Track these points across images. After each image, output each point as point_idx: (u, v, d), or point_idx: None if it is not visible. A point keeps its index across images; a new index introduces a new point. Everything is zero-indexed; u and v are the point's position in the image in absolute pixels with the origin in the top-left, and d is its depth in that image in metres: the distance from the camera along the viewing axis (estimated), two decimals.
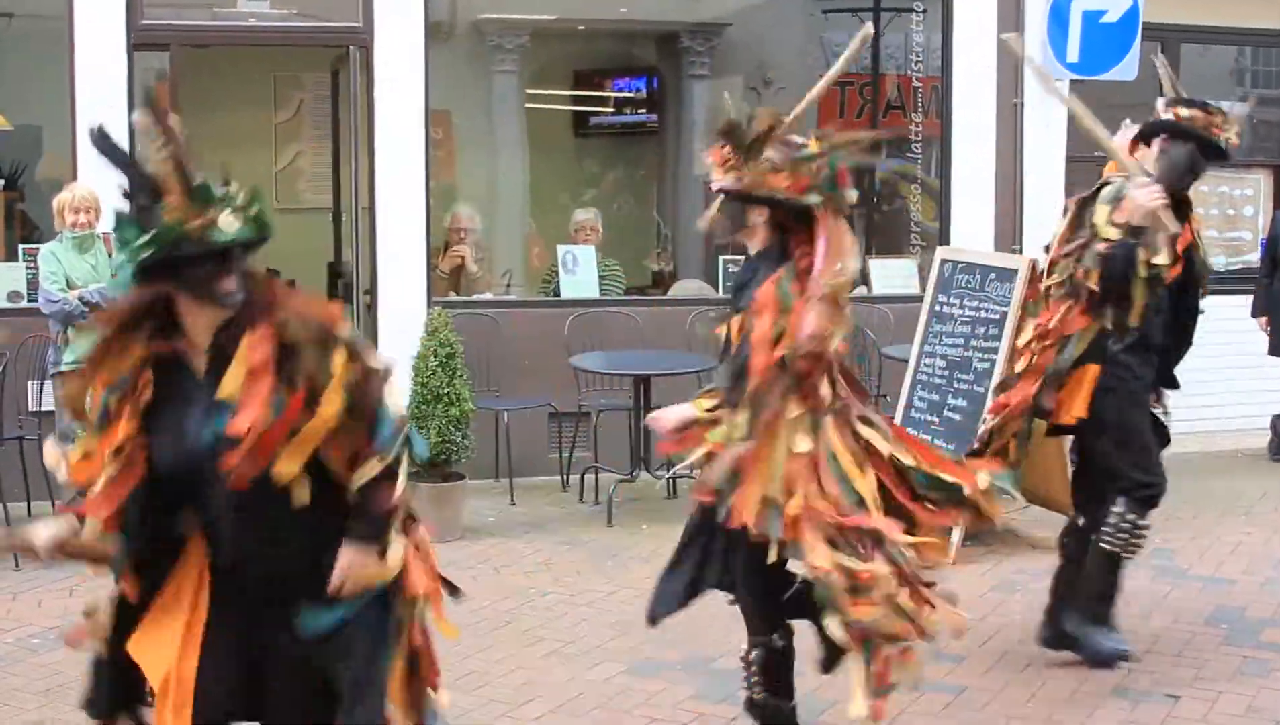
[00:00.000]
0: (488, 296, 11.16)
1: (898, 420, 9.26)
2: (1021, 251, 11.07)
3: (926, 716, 6.16)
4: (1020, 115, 11.42)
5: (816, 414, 4.94)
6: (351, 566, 3.93)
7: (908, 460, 5.09)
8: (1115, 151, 6.57)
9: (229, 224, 3.97)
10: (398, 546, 4.02)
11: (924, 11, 11.88)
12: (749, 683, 5.65)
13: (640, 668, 6.75)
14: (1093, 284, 6.28)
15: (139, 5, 9.89)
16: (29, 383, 9.50)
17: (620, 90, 13.61)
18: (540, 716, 6.16)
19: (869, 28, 6.26)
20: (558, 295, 10.95)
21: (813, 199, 4.95)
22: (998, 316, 8.66)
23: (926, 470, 5.11)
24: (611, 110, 13.63)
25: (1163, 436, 6.87)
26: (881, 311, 10.91)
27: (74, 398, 3.92)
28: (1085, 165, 11.73)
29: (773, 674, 5.57)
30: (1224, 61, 13.38)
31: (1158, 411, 6.81)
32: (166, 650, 3.95)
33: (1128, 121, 10.43)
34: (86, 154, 9.69)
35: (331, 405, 3.75)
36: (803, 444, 4.89)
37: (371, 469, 3.87)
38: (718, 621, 7.43)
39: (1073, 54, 11.28)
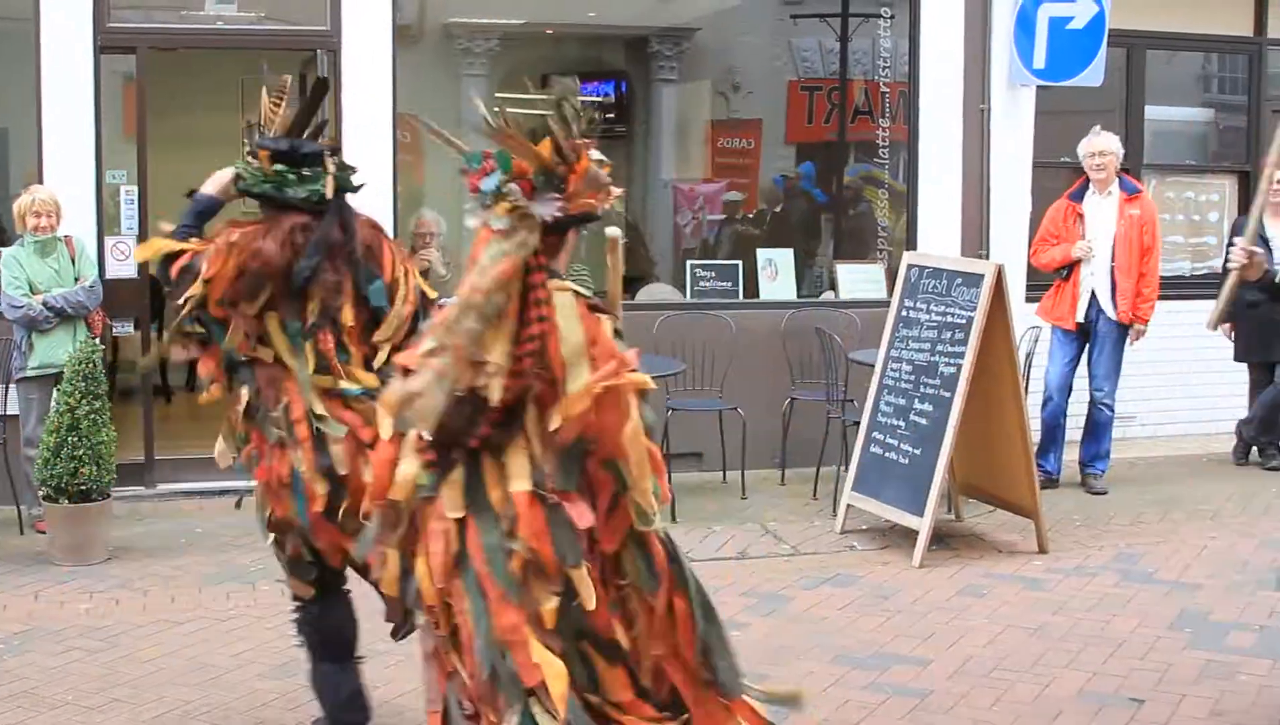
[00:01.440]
0: (455, 300, 11.13)
1: (864, 424, 9.29)
2: (988, 256, 11.11)
3: (891, 720, 6.17)
4: (987, 120, 11.45)
5: None
6: None
7: None
8: None
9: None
10: None
11: (891, 17, 11.90)
12: None
13: None
14: None
15: (106, 8, 9.85)
16: None
17: (589, 94, 13.60)
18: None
19: None
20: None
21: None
22: (964, 321, 8.68)
23: None
24: None
25: None
26: (848, 316, 10.93)
27: None
28: (1051, 171, 11.80)
29: None
30: (1190, 68, 13.44)
31: None
32: None
33: (1098, 128, 10.53)
34: (53, 157, 9.68)
35: None
36: None
37: None
38: None
39: (1039, 60, 11.31)
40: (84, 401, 8.33)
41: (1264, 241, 11.31)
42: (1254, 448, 11.49)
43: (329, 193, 5.59)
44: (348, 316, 5.38)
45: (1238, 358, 11.38)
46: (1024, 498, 8.94)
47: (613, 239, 4.29)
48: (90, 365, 8.42)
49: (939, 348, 8.84)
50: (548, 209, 4.11)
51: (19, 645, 7.09)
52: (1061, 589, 8.14)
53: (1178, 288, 11.86)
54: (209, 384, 5.59)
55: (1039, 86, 11.50)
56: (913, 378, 8.99)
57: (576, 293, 4.13)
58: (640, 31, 13.16)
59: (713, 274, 11.49)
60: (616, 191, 4.26)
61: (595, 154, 4.21)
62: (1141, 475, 10.96)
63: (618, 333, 4.19)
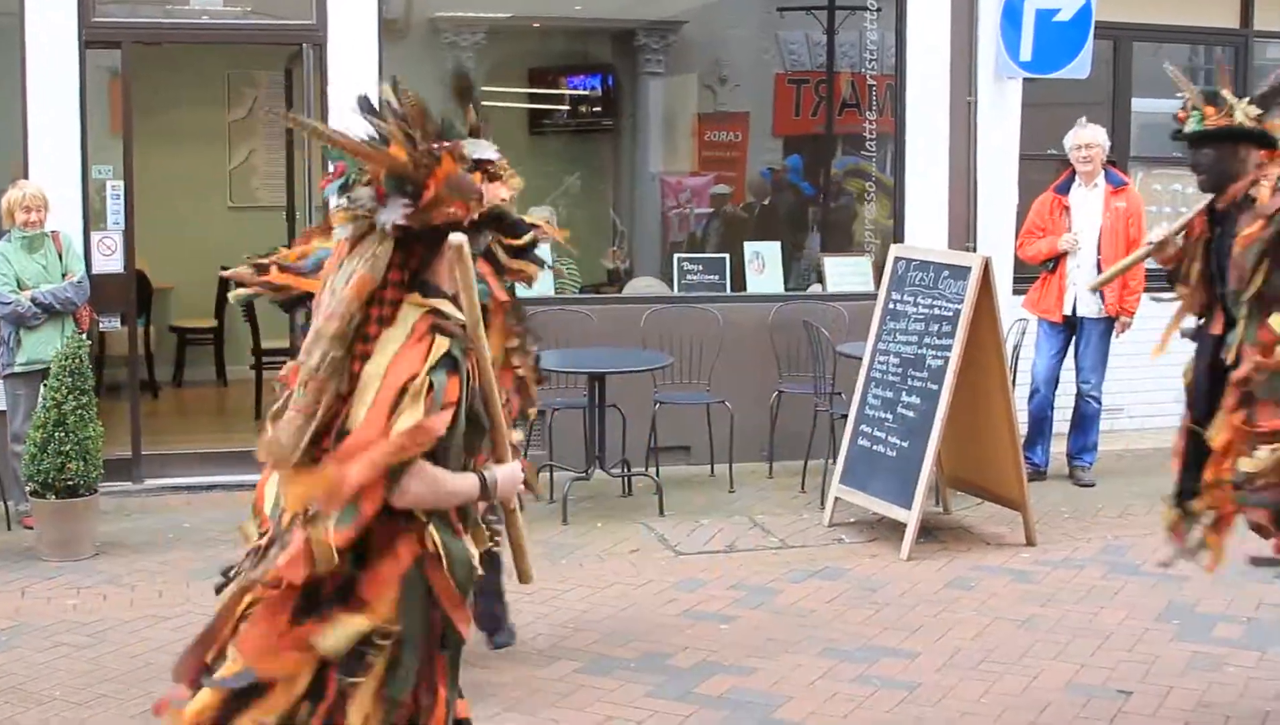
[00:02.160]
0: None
1: (852, 417, 9.30)
2: (975, 249, 11.11)
3: (880, 713, 6.19)
4: (974, 113, 11.45)
5: None
6: None
7: None
8: None
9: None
10: None
11: (878, 10, 11.89)
12: None
13: (594, 666, 6.75)
14: None
15: (91, 2, 9.81)
16: None
17: (575, 88, 13.60)
18: (494, 715, 6.15)
19: None
20: (513, 293, 10.89)
21: None
22: (951, 314, 8.69)
23: None
24: (567, 108, 13.62)
25: None
26: (836, 309, 10.94)
27: None
28: (1038, 163, 11.81)
29: None
30: (1177, 60, 13.42)
31: None
32: None
33: (1084, 120, 10.54)
34: (38, 152, 9.65)
35: None
36: None
37: None
38: (671, 620, 7.47)
39: (1026, 52, 11.31)
40: (71, 397, 8.32)
41: None
42: None
43: None
44: None
45: None
46: (1012, 490, 8.96)
47: (452, 246, 3.77)
48: (77, 361, 8.41)
49: (926, 340, 8.85)
50: (391, 216, 3.73)
51: (6, 641, 7.08)
52: (1049, 581, 8.15)
53: (1164, 280, 11.83)
54: None
55: (1026, 79, 11.49)
56: (900, 370, 9.00)
57: (436, 312, 3.78)
58: (627, 25, 13.16)
59: (700, 267, 11.48)
60: (500, 197, 3.90)
61: (483, 153, 3.90)
62: (1129, 467, 10.97)
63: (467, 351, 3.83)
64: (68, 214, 9.53)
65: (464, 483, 3.87)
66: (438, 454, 3.75)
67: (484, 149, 3.92)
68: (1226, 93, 6.07)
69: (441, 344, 3.73)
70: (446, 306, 3.81)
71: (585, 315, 10.67)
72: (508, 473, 4.01)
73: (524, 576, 4.32)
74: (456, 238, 3.76)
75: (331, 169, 5.90)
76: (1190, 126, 6.06)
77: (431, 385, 3.68)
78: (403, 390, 3.67)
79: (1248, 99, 6.00)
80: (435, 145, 3.80)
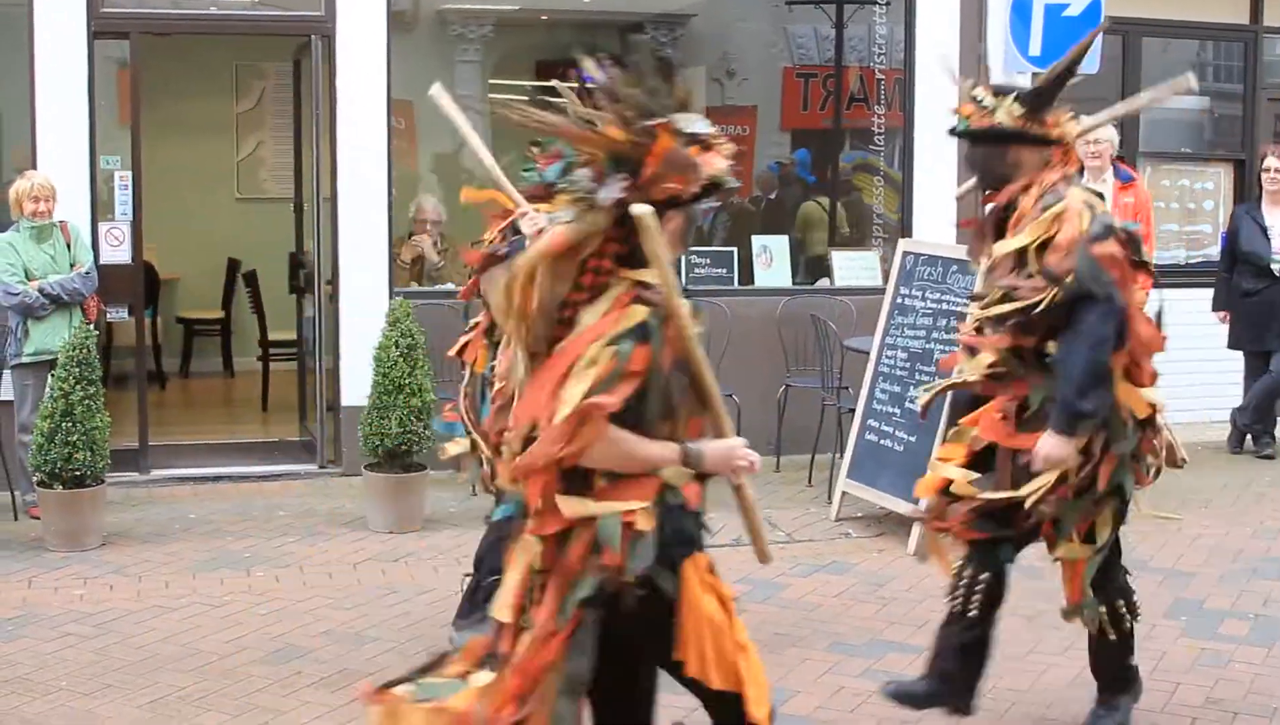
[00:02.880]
0: (450, 287, 11.13)
1: (859, 412, 9.29)
2: None
3: (885, 708, 6.16)
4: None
5: None
6: None
7: None
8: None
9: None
10: None
11: (887, 3, 11.88)
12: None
13: None
14: None
15: None
16: None
17: (584, 81, 13.56)
18: None
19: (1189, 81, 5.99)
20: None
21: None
22: (960, 308, 8.67)
23: None
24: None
25: None
26: (843, 303, 10.92)
27: None
28: None
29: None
30: (1185, 56, 13.43)
31: None
32: None
33: (1081, 118, 10.51)
34: (47, 143, 9.65)
35: None
36: None
37: None
38: None
39: (1035, 47, 11.30)
40: (78, 387, 8.32)
41: (1263, 231, 11.36)
42: (1248, 436, 11.50)
43: None
44: None
45: (1231, 346, 11.39)
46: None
47: (638, 217, 3.81)
48: (85, 351, 8.41)
49: (934, 335, 8.84)
50: (610, 193, 3.84)
51: (13, 631, 7.09)
52: (1056, 577, 8.12)
53: (1172, 276, 11.84)
54: None
55: (1035, 74, 11.47)
56: (908, 365, 8.99)
57: (640, 283, 3.88)
58: (635, 17, 13.14)
59: (707, 261, 11.47)
60: (717, 167, 3.96)
61: (696, 127, 3.94)
62: None
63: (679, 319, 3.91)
64: (76, 204, 9.54)
65: (659, 450, 3.91)
66: (628, 419, 3.81)
67: (696, 122, 3.97)
68: (983, 91, 5.80)
69: (637, 313, 3.83)
70: (652, 276, 3.86)
71: None
72: (719, 448, 4.07)
73: (762, 557, 4.31)
74: (639, 209, 3.81)
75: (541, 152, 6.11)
76: (958, 125, 5.84)
77: (616, 354, 3.77)
78: (581, 357, 3.78)
79: (1014, 96, 5.72)
80: (650, 122, 3.86)
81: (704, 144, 3.95)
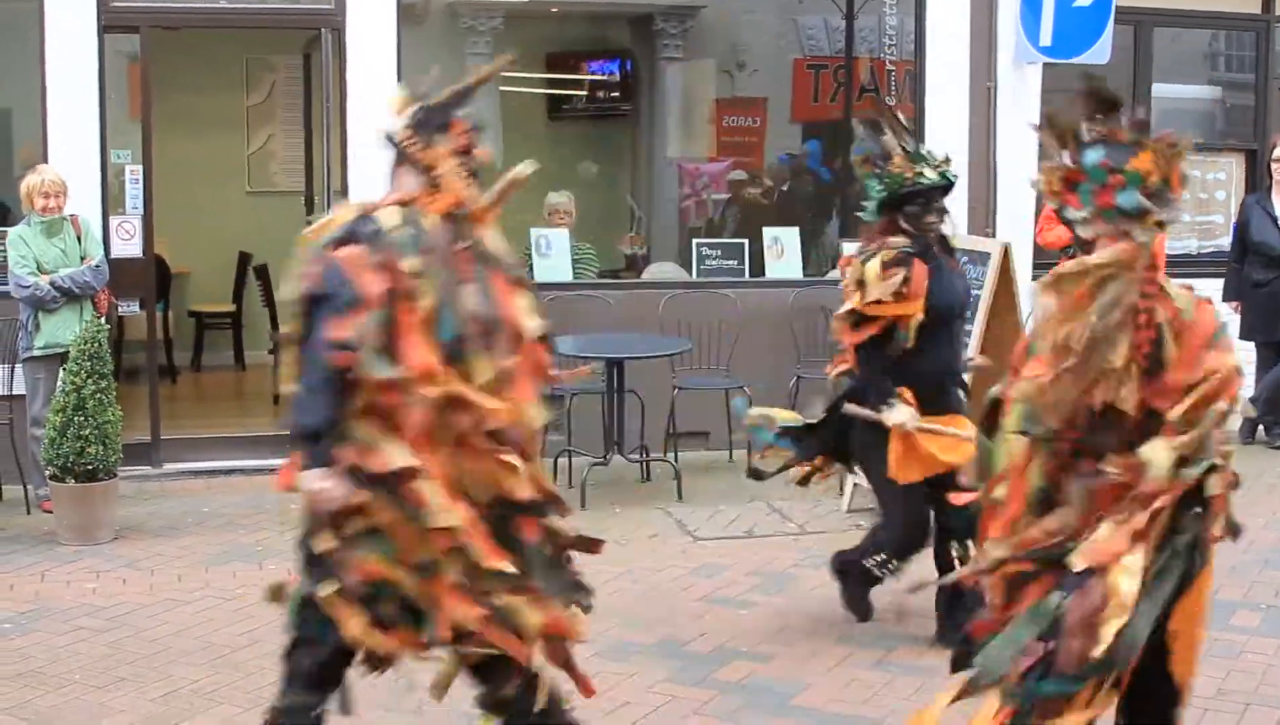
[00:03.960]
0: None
1: None
2: (995, 235, 11.09)
3: (897, 699, 6.17)
4: (993, 99, 11.42)
5: None
6: None
7: None
8: None
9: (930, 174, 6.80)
10: None
11: None
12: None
13: (611, 651, 6.73)
14: None
15: None
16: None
17: (594, 73, 13.59)
18: None
19: None
20: (531, 279, 10.91)
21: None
22: (971, 300, 8.66)
23: None
24: (585, 93, 13.61)
25: None
26: None
27: None
28: None
29: None
30: (1197, 46, 13.42)
31: None
32: None
33: None
34: (57, 137, 9.67)
35: None
36: None
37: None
38: (689, 605, 7.46)
39: (1046, 37, 11.28)
40: (90, 381, 8.33)
41: (1273, 221, 11.35)
42: (1260, 426, 11.48)
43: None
44: None
45: (1243, 336, 11.36)
46: None
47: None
48: (96, 345, 8.42)
49: None
50: (1170, 213, 4.41)
51: (26, 624, 7.11)
52: None
53: (1184, 266, 11.83)
54: None
55: (1045, 64, 11.47)
56: None
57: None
58: (645, 9, 13.15)
59: (718, 252, 11.46)
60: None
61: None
62: None
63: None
64: (87, 199, 9.55)
65: None
66: None
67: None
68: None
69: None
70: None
71: (604, 300, 10.67)
72: None
73: None
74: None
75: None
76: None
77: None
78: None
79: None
80: (1162, 142, 4.45)
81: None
